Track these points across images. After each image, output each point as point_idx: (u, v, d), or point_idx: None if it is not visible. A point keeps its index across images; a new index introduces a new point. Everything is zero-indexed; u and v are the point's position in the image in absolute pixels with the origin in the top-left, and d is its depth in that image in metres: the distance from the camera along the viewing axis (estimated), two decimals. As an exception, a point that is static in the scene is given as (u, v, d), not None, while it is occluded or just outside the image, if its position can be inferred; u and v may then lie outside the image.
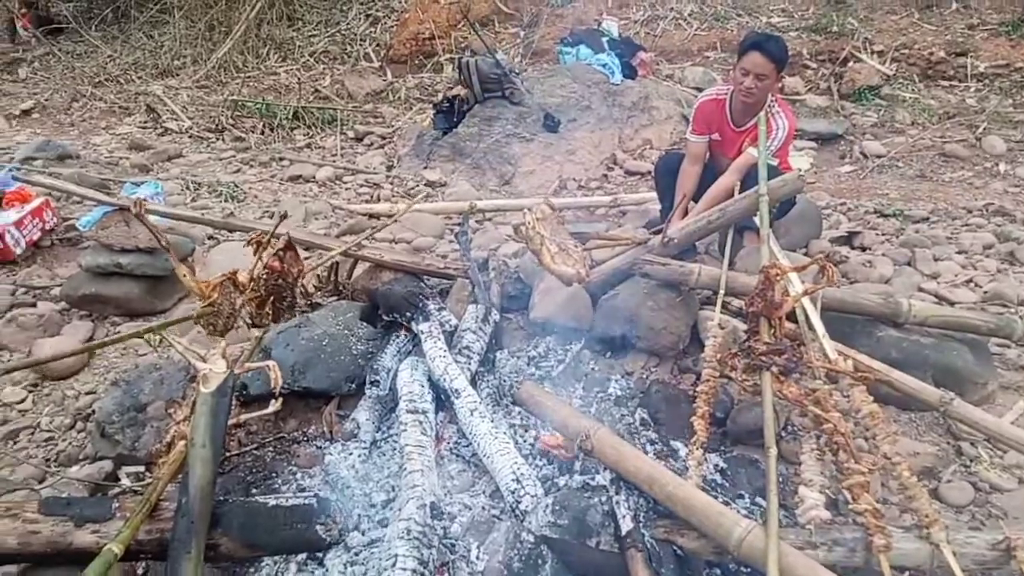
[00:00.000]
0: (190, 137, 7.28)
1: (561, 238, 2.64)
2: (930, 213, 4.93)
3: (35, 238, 4.35)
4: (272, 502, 1.92)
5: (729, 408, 2.67)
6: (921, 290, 3.70)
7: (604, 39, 7.36)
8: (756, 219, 2.98)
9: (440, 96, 7.58)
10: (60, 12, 10.60)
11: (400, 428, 2.49)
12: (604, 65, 6.98)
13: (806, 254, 4.03)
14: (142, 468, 2.66)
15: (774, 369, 2.17)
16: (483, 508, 2.30)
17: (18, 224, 4.22)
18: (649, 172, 6.12)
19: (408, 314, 2.94)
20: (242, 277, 2.41)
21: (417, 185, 5.90)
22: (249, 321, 2.47)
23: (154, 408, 2.73)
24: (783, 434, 2.56)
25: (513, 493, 2.26)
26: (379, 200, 5.63)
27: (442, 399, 2.68)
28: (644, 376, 2.99)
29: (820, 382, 2.25)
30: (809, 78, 7.79)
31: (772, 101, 3.59)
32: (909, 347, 2.88)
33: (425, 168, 6.24)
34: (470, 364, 2.82)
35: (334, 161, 6.59)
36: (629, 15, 8.91)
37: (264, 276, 2.45)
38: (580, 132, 6.45)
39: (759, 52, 3.44)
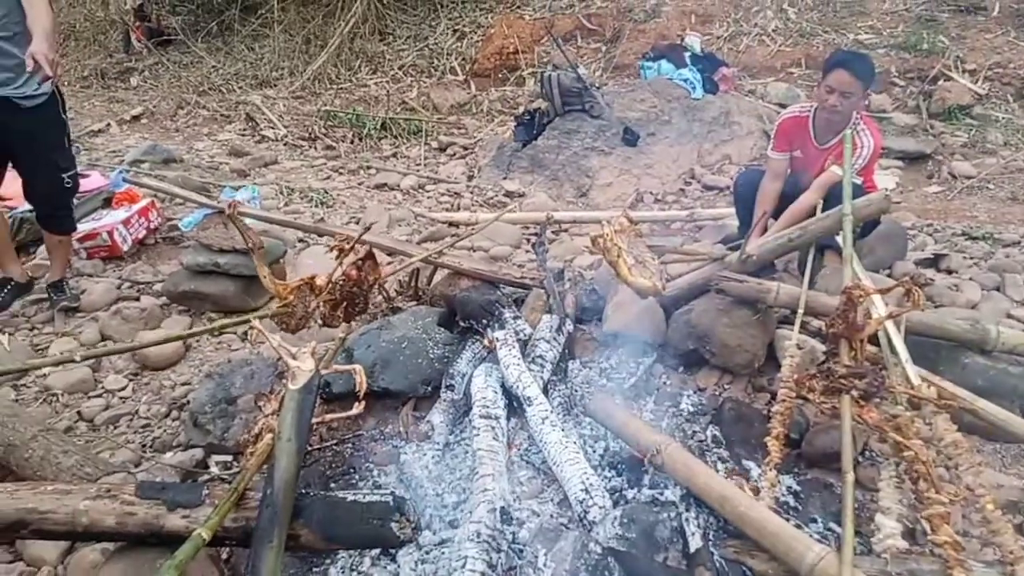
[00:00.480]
0: (285, 145, 7.53)
1: (638, 251, 2.61)
2: (1022, 237, 4.67)
3: (140, 236, 4.58)
4: (351, 497, 1.96)
5: (805, 430, 2.58)
6: (1010, 317, 3.50)
7: (687, 54, 7.28)
8: (838, 238, 2.88)
9: (521, 109, 7.64)
10: (170, 25, 11.14)
11: (473, 432, 2.51)
12: (685, 80, 6.89)
13: (890, 275, 3.87)
14: (230, 457, 2.75)
15: (854, 393, 2.09)
16: (551, 516, 2.29)
17: (126, 223, 4.46)
18: (727, 188, 6.01)
19: (484, 321, 2.96)
20: (319, 281, 2.48)
21: (496, 195, 5.96)
22: (321, 321, 2.53)
23: (244, 401, 2.82)
24: (861, 459, 2.46)
25: (581, 503, 2.24)
26: (459, 209, 5.71)
27: (514, 406, 2.69)
28: (717, 393, 2.92)
29: (902, 408, 2.16)
30: (897, 96, 7.49)
31: (857, 119, 3.47)
32: (996, 376, 2.73)
33: (504, 179, 6.30)
34: (543, 373, 2.82)
35: (418, 170, 6.71)
36: (712, 31, 8.76)
37: (341, 282, 2.51)
38: (659, 146, 6.38)
39: (845, 69, 3.34)
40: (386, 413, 2.94)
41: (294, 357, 2.30)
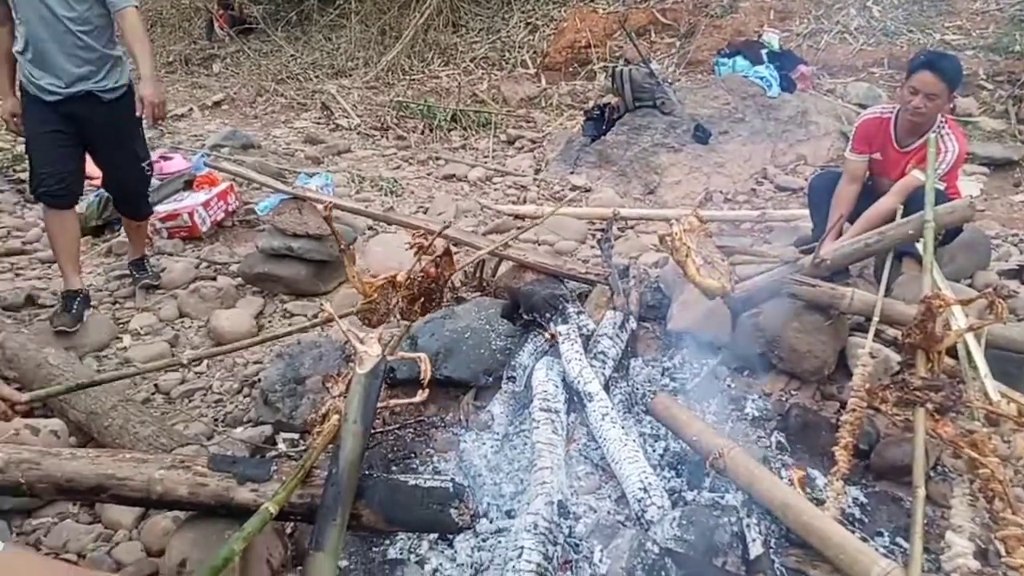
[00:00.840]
0: (358, 134, 7.67)
1: (707, 251, 2.57)
2: (1115, 250, 4.42)
3: (219, 218, 4.73)
4: (412, 481, 1.99)
5: (874, 441, 2.51)
6: (1100, 334, 3.31)
7: (764, 51, 7.10)
8: (918, 245, 2.78)
9: (591, 103, 7.59)
10: (251, 14, 11.44)
11: (532, 425, 2.51)
12: (762, 78, 6.73)
13: (971, 286, 3.72)
14: (297, 435, 2.83)
15: (929, 406, 2.01)
16: (608, 513, 2.29)
17: (205, 205, 4.61)
18: (801, 189, 5.83)
19: (547, 315, 2.95)
20: (400, 278, 2.52)
21: (563, 189, 5.93)
22: (399, 316, 2.58)
23: (312, 381, 2.90)
24: (932, 474, 2.38)
25: (640, 502, 2.22)
26: (525, 202, 5.71)
27: (574, 401, 2.69)
28: (783, 399, 2.86)
29: (979, 424, 2.07)
30: (984, 100, 7.15)
31: (942, 122, 3.34)
32: (1083, 395, 2.59)
33: (572, 173, 6.26)
34: (604, 369, 2.80)
35: (486, 162, 6.74)
36: (791, 27, 8.52)
37: (420, 278, 2.55)
38: (731, 144, 6.25)
39: (930, 71, 3.21)
40: (447, 401, 2.98)
41: (361, 342, 2.35)
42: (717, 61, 7.39)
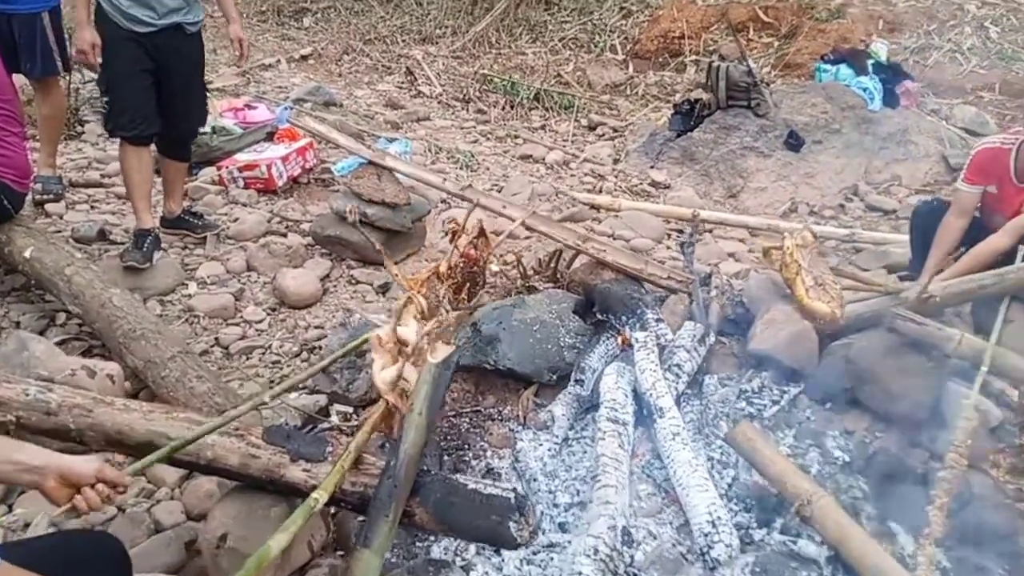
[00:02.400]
0: (439, 103, 7.53)
1: (819, 271, 2.34)
2: None
3: (295, 174, 4.66)
4: (471, 485, 1.85)
5: (966, 501, 2.27)
6: None
7: (870, 62, 6.69)
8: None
9: (678, 96, 7.29)
10: (346, -30, 11.34)
11: (598, 435, 2.35)
12: (865, 89, 6.34)
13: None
14: (351, 409, 2.73)
15: (1051, 481, 1.78)
16: (671, 542, 2.11)
17: (284, 159, 4.54)
18: (893, 211, 5.51)
19: (623, 318, 2.78)
20: (442, 267, 2.39)
21: (641, 183, 5.71)
22: (449, 307, 2.45)
23: (372, 356, 2.79)
24: (1033, 551, 2.13)
25: (706, 536, 2.05)
26: (601, 191, 5.51)
27: (643, 413, 2.51)
28: (866, 440, 2.63)
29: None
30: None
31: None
32: None
33: (652, 167, 6.01)
34: (677, 383, 2.62)
35: (564, 146, 6.53)
36: (900, 40, 8.04)
37: (461, 264, 2.42)
38: (823, 155, 5.91)
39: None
40: (507, 394, 2.84)
41: (399, 320, 2.22)
42: (819, 67, 7.00)
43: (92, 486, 1.50)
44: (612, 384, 2.54)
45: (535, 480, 2.38)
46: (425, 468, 1.89)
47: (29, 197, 3.89)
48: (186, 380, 2.47)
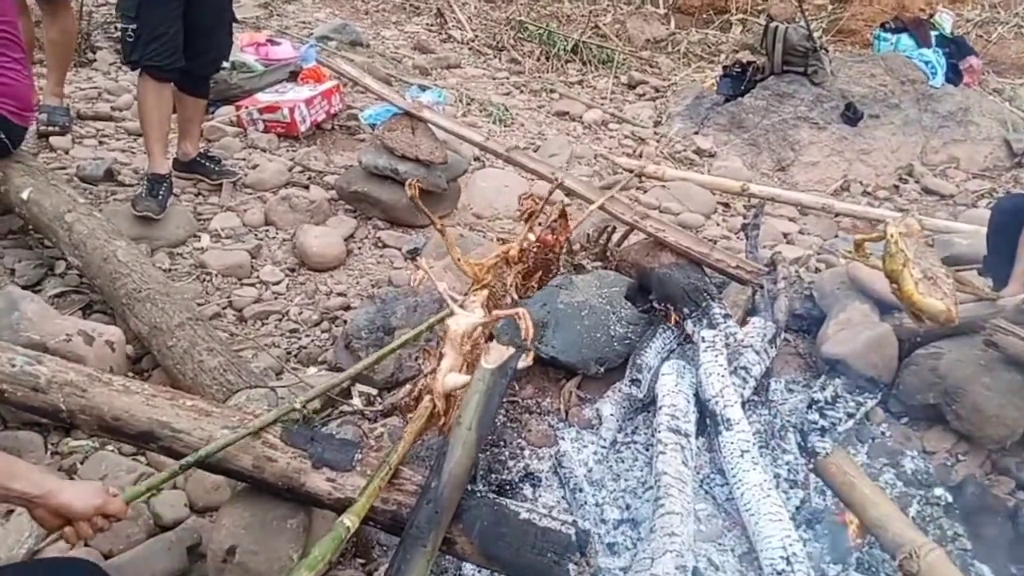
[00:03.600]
0: (470, 50, 7.10)
1: (928, 263, 2.02)
2: None
3: (319, 119, 4.32)
4: (524, 514, 1.57)
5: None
6: None
7: (934, 33, 6.22)
8: None
9: (725, 58, 6.86)
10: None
11: (657, 448, 2.06)
12: (927, 63, 5.90)
13: None
14: (375, 392, 2.46)
15: None
16: (739, 578, 1.85)
17: (308, 102, 4.19)
18: (951, 196, 5.16)
19: (685, 310, 2.48)
20: (513, 252, 2.07)
21: (685, 150, 5.35)
22: (516, 295, 2.15)
23: (402, 334, 2.50)
24: None
25: (779, 574, 1.78)
26: (641, 156, 5.15)
27: (704, 421, 2.24)
28: (947, 462, 2.34)
29: None
30: None
31: None
32: None
33: (696, 133, 5.64)
34: (744, 388, 2.33)
35: (603, 105, 6.14)
36: (962, 12, 7.53)
37: (535, 248, 2.11)
38: (880, 131, 5.53)
39: None
40: (547, 383, 2.55)
41: (462, 306, 1.93)
42: (878, 35, 6.53)
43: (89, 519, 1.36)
44: (672, 386, 2.25)
45: (580, 490, 2.11)
46: (470, 488, 1.61)
47: (33, 128, 3.60)
48: (195, 352, 2.19)
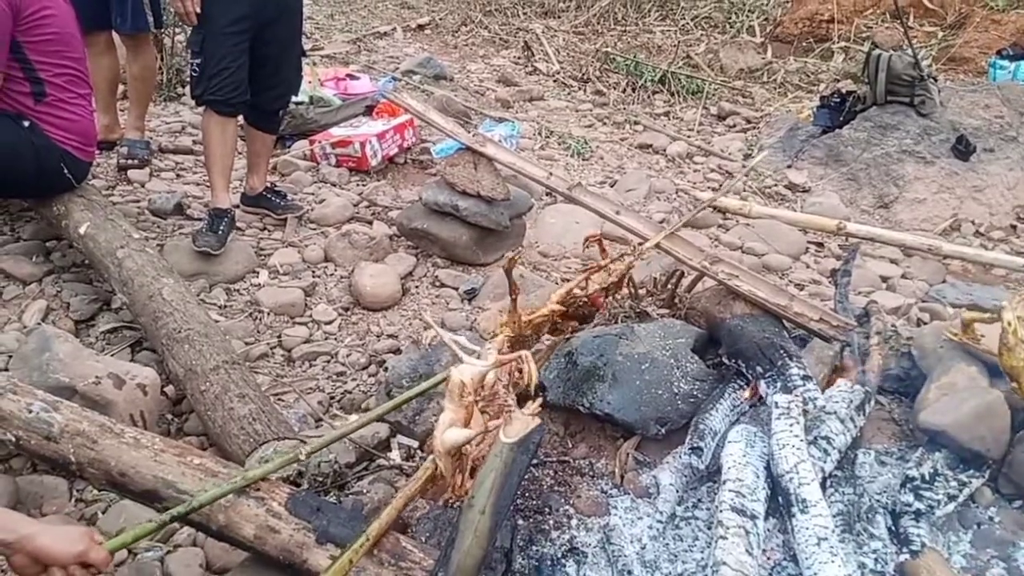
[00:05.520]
0: (555, 82, 6.99)
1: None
2: None
3: (391, 154, 4.28)
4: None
5: None
6: None
7: (1059, 60, 5.67)
8: None
9: (823, 86, 6.48)
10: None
11: (717, 531, 1.79)
12: (1052, 91, 5.35)
13: None
14: (416, 444, 2.30)
15: None
16: None
17: (380, 136, 4.16)
18: (1080, 239, 4.59)
19: (759, 369, 2.20)
20: (555, 297, 1.88)
21: (776, 184, 5.02)
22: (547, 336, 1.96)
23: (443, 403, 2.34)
24: None
25: None
26: (728, 192, 4.85)
27: (776, 500, 1.95)
28: (1070, 560, 1.97)
29: None
30: None
31: None
32: None
33: (789, 166, 5.30)
34: (825, 462, 2.02)
35: (689, 137, 5.87)
36: (1094, 34, 6.86)
37: (582, 302, 1.92)
38: (995, 167, 5.02)
39: None
40: (601, 442, 2.34)
41: (478, 356, 1.74)
42: (994, 63, 6.03)
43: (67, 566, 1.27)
44: (739, 457, 1.98)
45: (630, 572, 1.86)
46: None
47: (113, 162, 3.69)
48: (226, 398, 2.09)
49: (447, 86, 6.05)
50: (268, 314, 2.87)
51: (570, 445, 2.33)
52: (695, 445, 2.05)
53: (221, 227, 3.05)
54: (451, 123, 3.31)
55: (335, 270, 3.21)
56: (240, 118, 3.24)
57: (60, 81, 2.64)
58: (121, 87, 3.95)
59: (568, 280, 3.16)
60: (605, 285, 1.95)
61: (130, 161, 3.67)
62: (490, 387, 1.66)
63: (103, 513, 1.94)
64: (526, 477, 2.11)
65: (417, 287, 3.15)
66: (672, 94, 6.84)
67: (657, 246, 2.48)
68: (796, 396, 2.05)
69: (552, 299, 1.89)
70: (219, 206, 3.10)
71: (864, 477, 2.11)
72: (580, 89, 6.92)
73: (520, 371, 1.63)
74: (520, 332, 1.81)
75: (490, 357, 1.70)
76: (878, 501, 2.05)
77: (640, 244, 2.19)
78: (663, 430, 2.22)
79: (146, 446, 1.64)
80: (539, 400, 1.47)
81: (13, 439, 1.68)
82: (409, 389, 2.34)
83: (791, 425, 1.98)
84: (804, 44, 7.86)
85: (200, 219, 3.31)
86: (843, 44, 7.57)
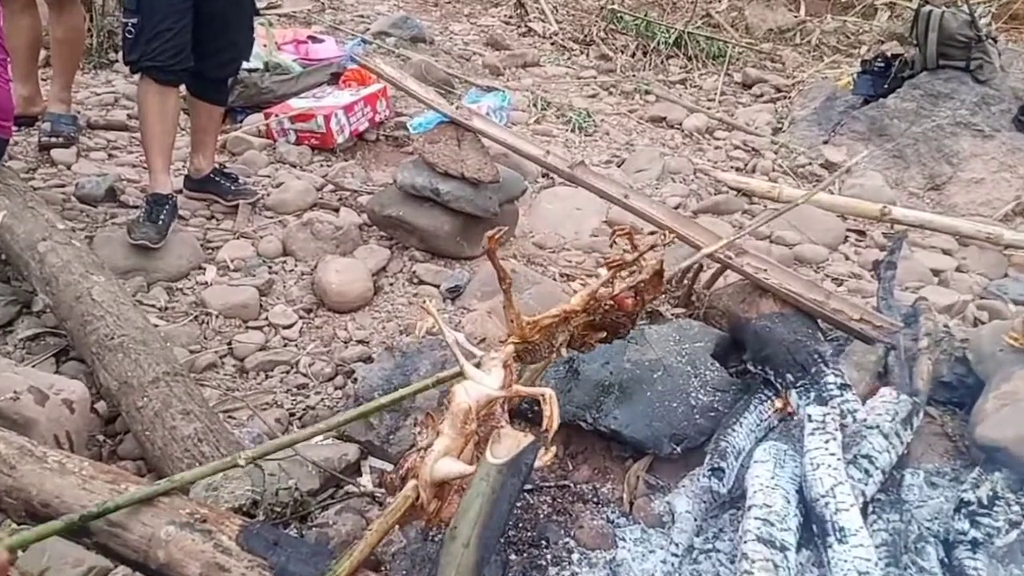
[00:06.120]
0: (552, 44, 7.02)
1: None
2: None
3: (361, 128, 4.30)
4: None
5: None
6: None
7: None
8: None
9: (869, 51, 6.51)
10: None
11: (742, 567, 1.81)
12: None
13: None
14: (391, 467, 2.30)
15: None
16: None
17: (348, 109, 4.16)
18: None
19: (790, 377, 2.22)
20: (576, 301, 1.87)
21: (810, 163, 5.09)
22: (566, 350, 1.95)
23: (425, 396, 2.35)
24: None
25: None
26: (755, 171, 4.91)
27: (810, 527, 1.96)
28: None
29: None
30: None
31: None
32: None
33: (826, 142, 5.40)
34: (866, 484, 2.05)
35: (709, 108, 5.91)
36: None
37: (607, 307, 1.91)
38: (1064, 141, 5.08)
39: None
40: (607, 464, 2.39)
41: (478, 365, 1.74)
42: (1064, 19, 6.06)
43: None
44: (766, 479, 2.00)
45: (640, 618, 1.88)
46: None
47: (34, 140, 3.68)
48: (167, 416, 2.09)
49: (426, 50, 6.06)
50: (217, 317, 2.87)
51: (571, 467, 2.37)
52: (716, 466, 2.07)
53: (161, 216, 3.05)
54: (431, 93, 3.31)
55: (295, 265, 3.21)
56: (182, 88, 3.24)
57: (-32, 47, 2.64)
58: (43, 52, 3.93)
59: (570, 277, 3.19)
60: (634, 284, 1.93)
61: (54, 139, 3.66)
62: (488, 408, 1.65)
63: (23, 551, 1.93)
64: (518, 504, 2.16)
65: (391, 285, 3.15)
66: (689, 59, 6.90)
67: (677, 235, 2.48)
68: (833, 408, 2.09)
69: (573, 301, 1.88)
70: (159, 191, 3.10)
71: (912, 501, 2.14)
72: (582, 53, 6.95)
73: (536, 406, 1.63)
74: (527, 338, 1.80)
75: (493, 370, 1.69)
76: (928, 529, 2.08)
77: (668, 235, 2.17)
78: (678, 449, 2.26)
79: (73, 472, 1.64)
80: (552, 451, 1.47)
81: (-82, 464, 1.68)
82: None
83: (827, 442, 2.00)
84: (843, 0, 7.92)
85: (136, 207, 3.30)
86: (887, 0, 7.61)
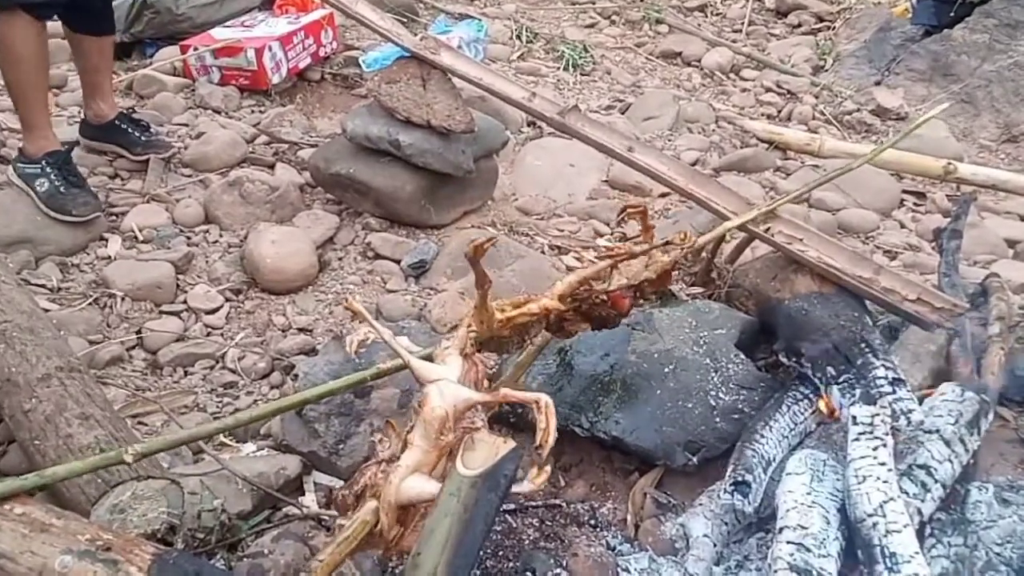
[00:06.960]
0: (540, -42, 7.09)
1: None
2: None
3: (302, 65, 4.38)
4: None
5: None
6: None
7: None
8: None
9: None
10: None
11: (771, 599, 1.86)
12: None
13: None
14: (339, 484, 2.35)
15: None
16: None
17: (285, 40, 4.24)
18: None
19: (831, 371, 2.28)
20: (559, 289, 1.91)
21: (859, 108, 5.23)
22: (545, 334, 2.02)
23: (382, 398, 2.44)
24: None
25: None
26: (789, 119, 5.06)
27: (854, 554, 2.02)
28: None
29: None
30: None
31: None
32: None
33: (878, 84, 5.55)
34: (923, 501, 2.11)
35: (734, 41, 6.01)
36: None
37: (599, 300, 1.96)
38: None
39: None
40: (608, 479, 2.47)
41: (430, 358, 1.78)
42: None
43: None
44: (801, 495, 2.06)
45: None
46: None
47: None
48: (62, 422, 2.10)
49: (384, -34, 6.10)
50: (123, 300, 2.91)
51: (563, 482, 2.45)
52: (740, 479, 2.14)
53: (78, 175, 3.15)
54: (389, 20, 3.33)
55: (221, 235, 3.27)
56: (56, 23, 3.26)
57: None
58: None
59: (561, 249, 3.23)
60: (636, 282, 1.97)
61: None
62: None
63: None
64: (497, 527, 2.23)
65: (340, 259, 3.21)
66: (711, -22, 7.01)
67: (669, 186, 2.52)
68: (883, 408, 2.14)
69: (554, 291, 1.91)
70: (54, 148, 3.13)
71: (979, 521, 2.20)
72: (578, -30, 7.04)
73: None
74: (494, 333, 1.83)
75: (450, 360, 1.72)
76: (999, 555, 2.13)
77: (689, 236, 2.22)
78: (694, 459, 2.33)
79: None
80: (546, 472, 1.49)
81: None
82: (326, 408, 2.40)
83: (875, 449, 2.06)
84: (900, -95, 8.02)
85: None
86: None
